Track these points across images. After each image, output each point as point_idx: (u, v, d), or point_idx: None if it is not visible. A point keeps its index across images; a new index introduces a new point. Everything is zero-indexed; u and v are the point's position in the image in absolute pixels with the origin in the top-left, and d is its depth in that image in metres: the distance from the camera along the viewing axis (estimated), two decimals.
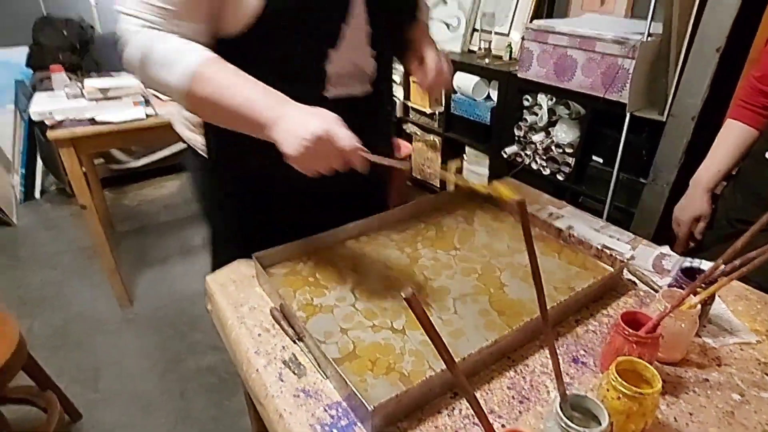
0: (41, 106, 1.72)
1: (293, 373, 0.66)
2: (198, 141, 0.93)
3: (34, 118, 1.69)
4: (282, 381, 0.65)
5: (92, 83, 1.83)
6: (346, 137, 0.63)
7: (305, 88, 0.74)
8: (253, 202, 0.92)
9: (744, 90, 1.14)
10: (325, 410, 0.60)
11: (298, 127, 0.63)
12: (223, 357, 1.79)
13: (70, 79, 1.99)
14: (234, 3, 0.70)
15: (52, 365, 1.49)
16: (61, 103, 1.76)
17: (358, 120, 0.69)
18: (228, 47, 0.72)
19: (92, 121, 1.70)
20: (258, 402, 0.66)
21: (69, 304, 2.09)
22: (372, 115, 0.86)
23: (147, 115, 1.77)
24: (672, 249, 0.99)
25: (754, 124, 1.12)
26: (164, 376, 1.73)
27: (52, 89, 1.93)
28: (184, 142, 1.00)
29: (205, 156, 0.92)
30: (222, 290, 0.82)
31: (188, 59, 0.66)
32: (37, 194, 3.01)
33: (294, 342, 0.70)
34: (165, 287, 2.20)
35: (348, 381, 0.57)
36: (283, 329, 0.72)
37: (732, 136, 1.16)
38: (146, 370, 1.76)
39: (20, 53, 2.90)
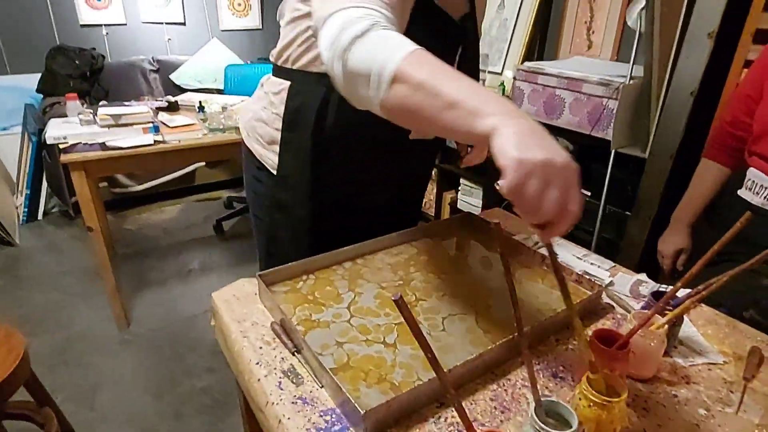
0: (56, 131, 1.80)
1: (292, 382, 0.71)
2: (268, 158, 1.01)
3: (49, 141, 1.77)
4: (281, 389, 0.69)
5: (105, 110, 1.92)
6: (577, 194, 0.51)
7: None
8: (310, 217, 1.00)
9: (716, 132, 1.23)
10: (321, 416, 0.65)
11: (536, 133, 0.50)
12: (218, 378, 1.82)
13: (82, 105, 2.08)
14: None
15: (50, 383, 1.51)
16: (75, 128, 1.84)
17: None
18: None
19: (103, 146, 1.78)
20: (259, 410, 0.71)
21: (69, 324, 2.11)
22: (431, 159, 0.99)
23: (155, 141, 1.85)
24: (658, 280, 1.05)
25: (727, 164, 1.21)
26: (160, 397, 1.75)
27: (64, 115, 2.02)
28: (250, 157, 1.06)
29: (272, 171, 1.00)
30: (226, 306, 0.88)
31: (405, 41, 0.59)
32: (40, 215, 3.07)
33: (293, 354, 0.75)
34: (163, 309, 2.23)
35: (342, 388, 0.62)
36: (282, 342, 0.78)
37: (707, 175, 1.25)
38: (142, 390, 1.78)
39: (30, 79, 3.03)
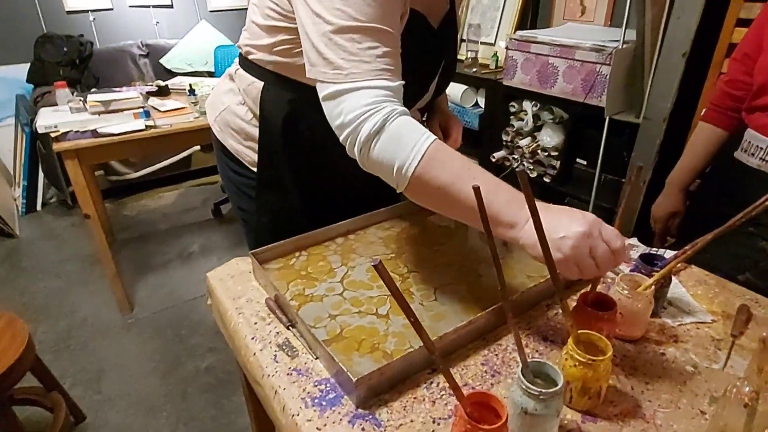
0: (46, 120, 1.79)
1: (287, 354, 0.72)
2: (246, 154, 0.99)
3: (40, 131, 1.76)
4: (276, 362, 0.71)
5: (94, 97, 1.90)
6: (612, 232, 0.60)
7: None
8: (294, 205, 1.00)
9: (714, 94, 1.22)
10: (315, 385, 0.67)
11: (556, 226, 0.59)
12: (220, 358, 1.85)
13: (72, 93, 2.06)
14: None
15: (57, 369, 1.55)
16: (65, 117, 1.83)
17: None
18: None
19: (95, 133, 1.77)
20: (255, 382, 0.73)
21: (72, 311, 2.14)
22: None
23: (147, 126, 1.84)
24: (652, 245, 1.05)
25: (724, 126, 1.19)
26: (165, 378, 1.78)
27: (55, 104, 2.00)
28: (224, 152, 1.04)
29: (250, 168, 0.99)
30: (221, 285, 0.89)
31: (421, 139, 0.64)
32: (39, 206, 3.08)
33: (287, 328, 0.77)
34: (164, 293, 2.26)
35: (335, 358, 0.63)
36: (277, 317, 0.79)
37: (703, 138, 1.24)
38: (148, 372, 1.82)
39: (19, 69, 3.00)
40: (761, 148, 1.03)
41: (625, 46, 1.62)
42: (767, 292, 0.87)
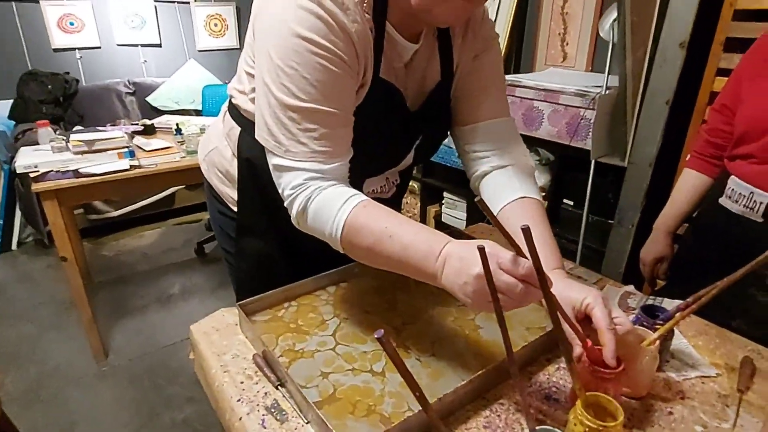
0: (26, 159, 1.74)
1: (276, 419, 0.67)
2: (229, 195, 0.98)
3: (19, 170, 1.71)
4: (264, 428, 0.66)
5: (78, 137, 1.86)
6: (509, 262, 0.57)
7: None
8: (273, 252, 0.99)
9: (697, 142, 1.24)
10: None
11: (460, 271, 0.60)
12: (199, 409, 1.76)
13: (55, 131, 2.03)
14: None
15: (25, 421, 1.45)
16: (47, 156, 1.78)
17: None
18: None
19: (76, 173, 1.72)
20: None
21: (44, 358, 2.03)
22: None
23: (131, 166, 1.81)
24: (642, 289, 1.04)
25: (708, 173, 1.22)
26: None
27: (36, 142, 1.96)
28: (212, 191, 1.04)
29: (233, 208, 0.98)
30: (205, 339, 0.84)
31: (339, 213, 0.69)
32: (14, 245, 2.97)
33: (276, 388, 0.72)
34: (142, 338, 2.16)
35: (328, 424, 0.59)
36: (265, 375, 0.74)
37: (688, 184, 1.25)
38: (122, 425, 1.71)
39: (2, 106, 2.95)
40: (744, 195, 1.04)
41: (608, 91, 1.67)
42: (761, 340, 0.86)
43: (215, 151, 0.99)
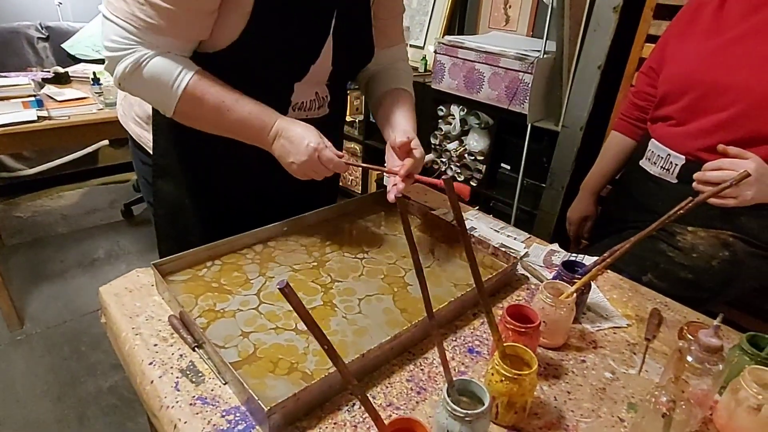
0: None
1: (191, 381, 0.64)
2: (146, 138, 0.94)
3: None
4: (178, 390, 0.62)
5: None
6: (328, 159, 0.79)
7: None
8: (197, 198, 0.94)
9: (624, 105, 1.28)
10: (223, 416, 0.59)
11: (288, 152, 0.78)
12: (126, 376, 1.68)
13: None
14: (218, 27, 0.75)
15: None
16: None
17: None
18: (201, 62, 0.78)
19: None
20: (152, 414, 0.63)
21: None
22: (328, 134, 0.84)
23: (39, 117, 1.63)
24: (568, 248, 1.08)
25: (632, 135, 1.26)
26: (60, 401, 1.58)
27: None
28: (132, 140, 1.00)
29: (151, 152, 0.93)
30: (116, 301, 0.78)
31: (178, 79, 0.74)
32: None
33: (193, 349, 0.68)
34: (61, 304, 2.02)
35: (244, 383, 0.56)
36: (181, 337, 0.70)
37: (614, 146, 1.30)
38: (40, 395, 1.60)
39: None
40: (661, 157, 1.09)
41: (546, 56, 1.68)
42: (668, 292, 0.92)
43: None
